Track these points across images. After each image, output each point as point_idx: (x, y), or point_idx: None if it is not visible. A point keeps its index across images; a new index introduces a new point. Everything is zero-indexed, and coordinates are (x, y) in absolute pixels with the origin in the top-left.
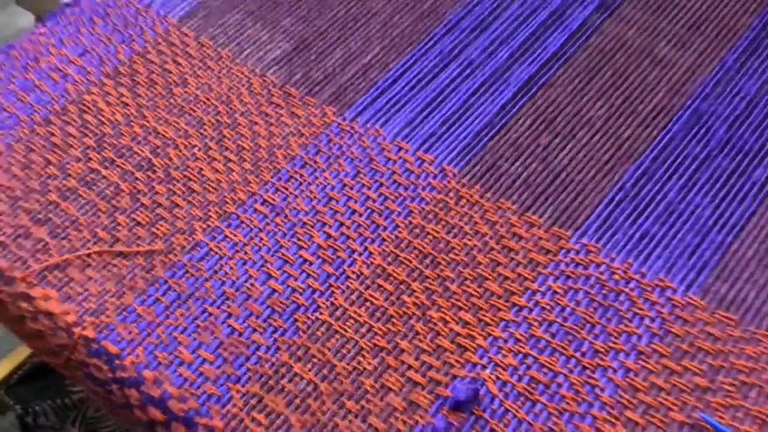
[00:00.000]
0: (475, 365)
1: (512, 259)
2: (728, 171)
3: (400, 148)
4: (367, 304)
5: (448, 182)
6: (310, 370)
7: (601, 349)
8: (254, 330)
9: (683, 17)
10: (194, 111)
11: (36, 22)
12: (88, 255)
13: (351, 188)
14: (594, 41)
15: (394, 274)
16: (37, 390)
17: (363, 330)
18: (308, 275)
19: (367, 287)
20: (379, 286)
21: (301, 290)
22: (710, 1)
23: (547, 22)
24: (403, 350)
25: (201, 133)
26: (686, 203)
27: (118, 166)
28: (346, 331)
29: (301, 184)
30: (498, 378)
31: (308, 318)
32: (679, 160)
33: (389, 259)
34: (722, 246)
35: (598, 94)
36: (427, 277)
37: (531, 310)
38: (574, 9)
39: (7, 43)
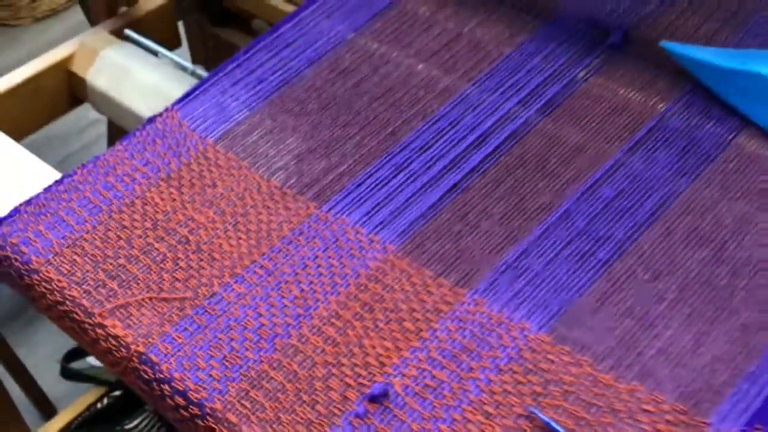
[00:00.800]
0: (389, 375)
1: (424, 307)
2: (583, 252)
3: (357, 231)
4: (323, 334)
5: (387, 255)
6: (280, 375)
7: (475, 366)
8: (246, 349)
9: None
10: (220, 204)
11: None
12: (143, 300)
13: (320, 258)
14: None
15: (343, 316)
16: None
17: (318, 350)
18: (285, 315)
19: (324, 323)
20: (333, 323)
21: (280, 324)
22: (588, 132)
23: (473, 143)
24: (343, 364)
25: (223, 220)
26: (550, 272)
27: (165, 241)
28: (306, 351)
29: (286, 255)
30: (403, 383)
31: (283, 342)
32: (550, 242)
33: (341, 305)
34: (569, 301)
35: (498, 197)
36: (364, 318)
37: (431, 341)
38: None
39: (95, 155)
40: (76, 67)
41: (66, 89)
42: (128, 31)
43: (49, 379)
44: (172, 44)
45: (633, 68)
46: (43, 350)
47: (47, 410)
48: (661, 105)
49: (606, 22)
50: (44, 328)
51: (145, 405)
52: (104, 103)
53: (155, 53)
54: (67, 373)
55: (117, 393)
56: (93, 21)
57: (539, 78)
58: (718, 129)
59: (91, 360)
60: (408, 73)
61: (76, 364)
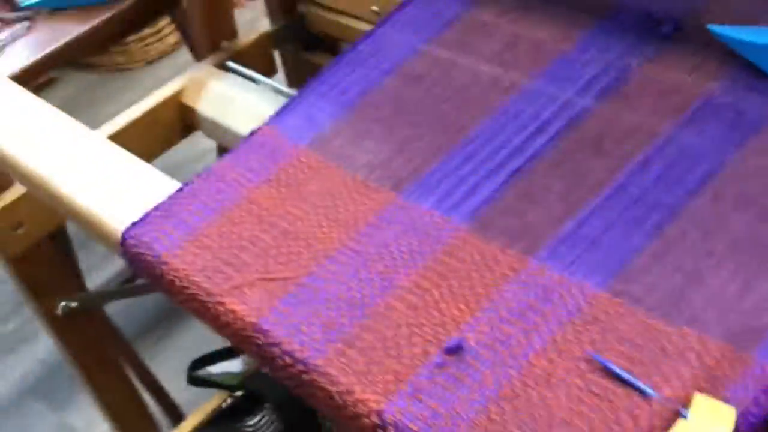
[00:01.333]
0: (463, 331)
1: (493, 274)
2: (637, 218)
3: (432, 215)
4: (405, 301)
5: (459, 233)
6: (370, 336)
7: (539, 321)
8: (341, 316)
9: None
10: (312, 199)
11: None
12: (253, 281)
13: (401, 238)
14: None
15: (422, 285)
16: None
17: (401, 315)
18: (372, 287)
19: (406, 292)
20: (413, 291)
21: (368, 295)
22: (640, 114)
23: (534, 132)
24: (423, 324)
25: (316, 212)
26: (607, 238)
27: (269, 232)
28: (391, 315)
29: (371, 237)
30: (476, 338)
31: (371, 309)
32: (606, 212)
33: (420, 276)
34: (624, 262)
35: (558, 176)
36: (441, 286)
37: (499, 302)
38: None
39: (205, 169)
40: (187, 99)
41: (179, 119)
42: (230, 63)
43: (176, 389)
44: (269, 72)
45: (683, 54)
46: (170, 364)
47: (176, 416)
48: (710, 84)
49: (658, 14)
50: (171, 344)
51: (264, 404)
52: (213, 129)
53: (255, 81)
54: (194, 380)
55: (239, 394)
56: (198, 56)
57: (595, 69)
58: (764, 102)
59: (214, 369)
60: (473, 74)
61: (201, 373)
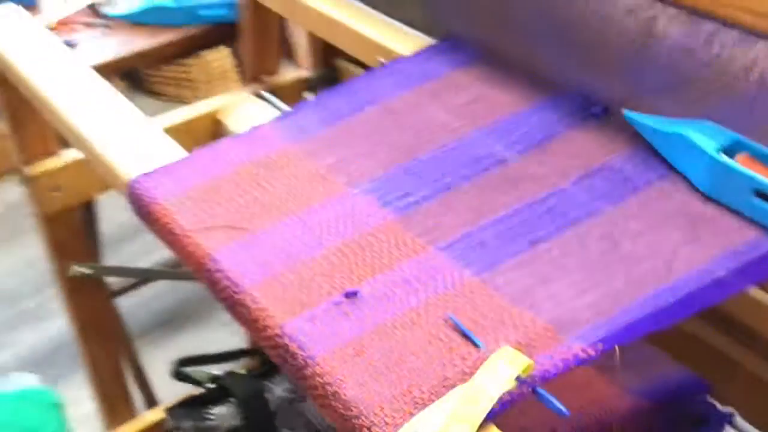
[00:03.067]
0: (363, 285)
1: (400, 252)
2: (520, 233)
3: (371, 204)
4: (331, 263)
5: (386, 222)
6: (297, 276)
7: (420, 288)
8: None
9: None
10: (286, 181)
11: None
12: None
13: (339, 219)
14: None
15: (345, 252)
16: None
17: (325, 270)
18: (304, 242)
19: (331, 254)
20: (337, 255)
21: (305, 250)
22: (549, 167)
23: (466, 164)
24: (336, 277)
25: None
26: (493, 243)
27: (248, 195)
28: (315, 268)
29: (316, 217)
30: (370, 291)
31: (304, 260)
32: (502, 226)
33: (346, 247)
34: (498, 261)
35: (475, 196)
36: (357, 254)
37: (396, 272)
38: None
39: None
40: (221, 115)
41: (211, 129)
42: (264, 93)
43: (160, 388)
44: None
45: (602, 129)
46: (159, 365)
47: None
48: (613, 155)
49: (592, 98)
50: (166, 348)
51: (230, 398)
52: None
53: (281, 110)
54: (177, 374)
55: (210, 386)
56: (243, 84)
57: (530, 129)
58: (649, 175)
59: (198, 369)
60: (434, 117)
61: (185, 369)
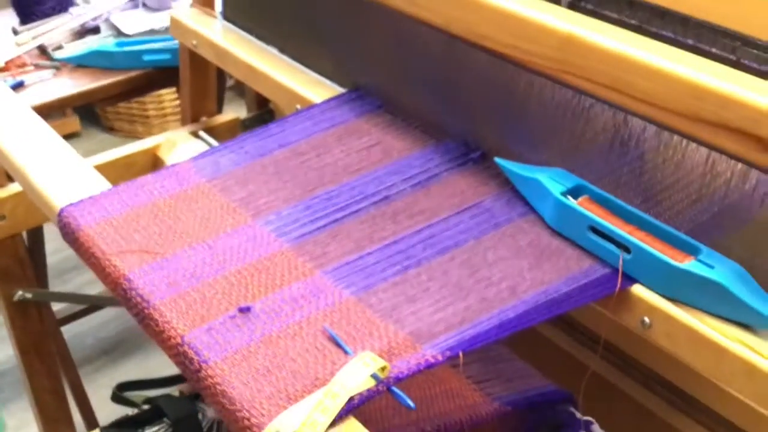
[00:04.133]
0: (255, 303)
1: (290, 275)
2: (396, 262)
3: (269, 235)
4: (230, 283)
5: (282, 250)
6: (206, 293)
7: (304, 305)
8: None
9: None
10: (196, 214)
11: None
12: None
13: (241, 247)
14: None
15: (243, 275)
16: None
17: (225, 290)
18: (206, 267)
19: (234, 275)
20: (236, 277)
21: (205, 269)
22: (432, 202)
23: (361, 198)
24: (233, 297)
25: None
26: (372, 268)
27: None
28: (217, 289)
29: (220, 244)
30: (261, 307)
31: (208, 281)
32: (383, 254)
33: (245, 271)
34: (374, 283)
35: (363, 228)
36: (254, 279)
37: (285, 291)
38: None
39: (134, 180)
40: (160, 152)
41: (150, 165)
42: (201, 133)
43: (105, 413)
44: None
45: (478, 172)
46: (102, 391)
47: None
48: (484, 195)
49: (472, 145)
50: (109, 374)
51: (164, 418)
52: None
53: None
54: (116, 398)
55: (145, 407)
56: (183, 123)
57: (418, 171)
58: (510, 213)
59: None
60: (337, 159)
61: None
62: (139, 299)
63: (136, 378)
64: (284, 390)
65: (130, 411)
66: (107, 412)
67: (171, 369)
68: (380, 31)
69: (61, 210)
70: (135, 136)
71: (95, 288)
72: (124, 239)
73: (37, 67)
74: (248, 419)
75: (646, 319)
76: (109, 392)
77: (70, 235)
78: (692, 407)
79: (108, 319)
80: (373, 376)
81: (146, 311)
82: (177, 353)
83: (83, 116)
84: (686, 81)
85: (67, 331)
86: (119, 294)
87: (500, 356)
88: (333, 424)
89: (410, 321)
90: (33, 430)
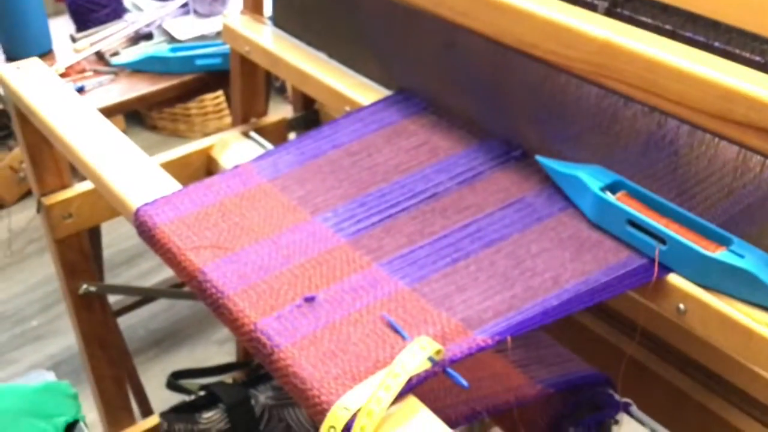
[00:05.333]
0: (319, 294)
1: (349, 268)
2: (447, 254)
3: (328, 230)
4: (298, 274)
5: (340, 244)
6: (275, 283)
7: (363, 295)
8: (264, 271)
9: None
10: (261, 210)
11: None
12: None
13: (304, 242)
14: None
15: (306, 268)
16: None
17: (290, 282)
18: (272, 259)
19: (301, 269)
20: (303, 269)
21: (276, 263)
22: (479, 197)
23: (413, 195)
24: (298, 286)
25: (258, 222)
26: (425, 260)
27: (228, 220)
28: (282, 281)
29: (290, 238)
30: (324, 297)
31: (274, 274)
32: (434, 247)
33: (309, 264)
34: (427, 274)
35: (416, 222)
36: (316, 269)
37: (344, 283)
38: None
39: (201, 180)
40: (214, 152)
41: (205, 165)
42: (252, 133)
43: (159, 400)
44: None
45: (520, 170)
46: (157, 379)
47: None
48: (526, 191)
49: (513, 144)
50: (162, 363)
51: (219, 403)
52: None
53: (265, 148)
54: (171, 385)
55: (201, 393)
56: (234, 124)
57: (464, 169)
58: (552, 208)
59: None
60: (387, 158)
61: (179, 381)
62: (213, 290)
63: (185, 367)
64: (349, 371)
65: (182, 398)
66: (159, 399)
67: (218, 358)
68: (425, 36)
69: (138, 209)
70: (177, 135)
71: (145, 281)
72: (196, 236)
73: (96, 72)
74: (319, 397)
75: (682, 306)
76: (160, 381)
77: (146, 232)
78: (725, 389)
79: (158, 311)
80: (430, 359)
81: (221, 301)
82: (251, 339)
83: (127, 115)
84: (716, 84)
85: (121, 322)
86: (194, 286)
87: (542, 342)
88: (395, 401)
89: (461, 309)
90: (92, 416)
